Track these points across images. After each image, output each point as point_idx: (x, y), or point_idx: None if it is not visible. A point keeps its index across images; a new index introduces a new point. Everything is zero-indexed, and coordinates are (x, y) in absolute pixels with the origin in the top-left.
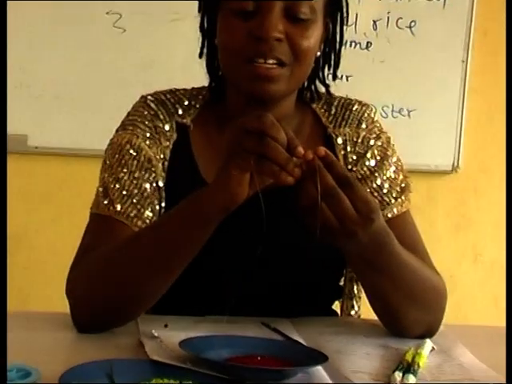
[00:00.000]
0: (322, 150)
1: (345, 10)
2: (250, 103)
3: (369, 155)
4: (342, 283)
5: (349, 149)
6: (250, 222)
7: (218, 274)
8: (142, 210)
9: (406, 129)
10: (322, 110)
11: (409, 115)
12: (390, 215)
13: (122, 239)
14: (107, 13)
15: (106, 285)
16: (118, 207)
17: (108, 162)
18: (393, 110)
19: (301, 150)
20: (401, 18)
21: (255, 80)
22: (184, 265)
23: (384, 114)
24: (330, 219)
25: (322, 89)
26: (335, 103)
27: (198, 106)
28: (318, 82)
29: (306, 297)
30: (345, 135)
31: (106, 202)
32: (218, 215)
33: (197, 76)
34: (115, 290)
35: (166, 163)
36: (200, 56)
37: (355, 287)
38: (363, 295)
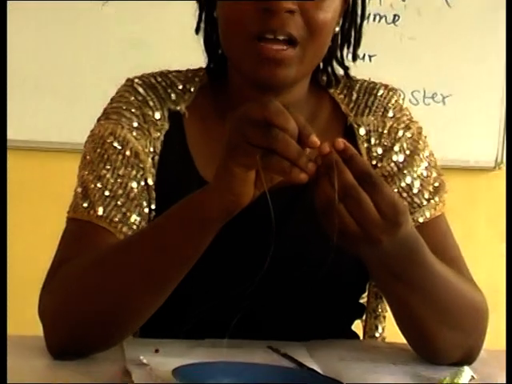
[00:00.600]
0: (341, 141)
1: None
2: (256, 87)
3: (397, 149)
4: (363, 300)
5: (373, 141)
6: (255, 227)
7: (217, 289)
8: (128, 213)
9: (440, 118)
10: (342, 96)
11: (443, 102)
12: (421, 219)
13: (106, 248)
14: None
15: (86, 301)
16: (100, 211)
17: (88, 158)
18: (424, 96)
19: (315, 139)
20: None
21: (262, 63)
22: (179, 277)
23: (414, 101)
24: (349, 224)
25: (341, 71)
26: (357, 88)
27: (193, 90)
28: (335, 64)
29: (321, 316)
30: (368, 125)
31: (85, 205)
32: (219, 220)
33: (193, 56)
34: (97, 308)
35: (157, 158)
36: (196, 31)
37: (380, 305)
38: (388, 314)
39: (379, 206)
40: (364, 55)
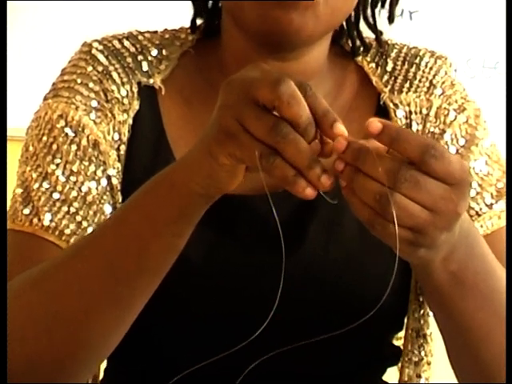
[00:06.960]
0: (375, 121)
1: None
2: (260, 46)
3: (447, 137)
4: (398, 341)
5: (415, 126)
6: (252, 242)
7: (211, 329)
8: (85, 223)
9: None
10: (373, 65)
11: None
12: (480, 231)
13: (52, 257)
14: None
15: (26, 330)
16: (46, 219)
17: (31, 149)
18: (484, 66)
19: (341, 128)
20: None
21: (270, 5)
22: (151, 287)
23: (470, 73)
24: (416, 213)
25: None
26: (393, 55)
27: (173, 57)
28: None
29: (340, 363)
30: (408, 105)
31: (26, 212)
32: (196, 207)
33: (171, 13)
34: (40, 341)
35: (124, 147)
36: None
37: (424, 346)
38: (436, 358)
39: (447, 173)
40: (402, 11)
